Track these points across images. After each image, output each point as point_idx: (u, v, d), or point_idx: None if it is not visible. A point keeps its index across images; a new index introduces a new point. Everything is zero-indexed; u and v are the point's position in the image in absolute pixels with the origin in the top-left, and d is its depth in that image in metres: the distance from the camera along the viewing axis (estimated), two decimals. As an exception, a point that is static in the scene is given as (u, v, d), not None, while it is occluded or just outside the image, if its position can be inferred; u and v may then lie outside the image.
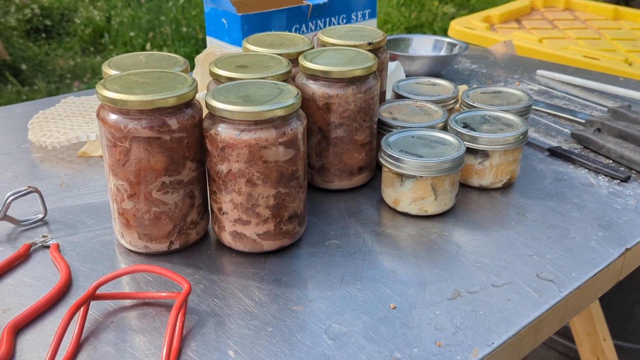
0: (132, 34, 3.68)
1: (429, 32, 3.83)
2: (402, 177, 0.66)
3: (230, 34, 0.90)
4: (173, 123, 0.56)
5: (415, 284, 0.56)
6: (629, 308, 1.28)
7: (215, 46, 0.86)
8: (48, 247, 0.61)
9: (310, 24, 0.95)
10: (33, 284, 0.56)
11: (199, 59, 0.81)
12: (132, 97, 0.54)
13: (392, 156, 0.66)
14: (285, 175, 0.58)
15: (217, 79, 0.65)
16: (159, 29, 3.74)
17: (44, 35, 3.74)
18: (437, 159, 0.65)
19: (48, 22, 3.84)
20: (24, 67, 3.28)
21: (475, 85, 0.95)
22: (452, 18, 3.94)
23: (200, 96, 0.74)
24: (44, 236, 0.63)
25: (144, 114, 0.55)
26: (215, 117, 0.56)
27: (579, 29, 1.69)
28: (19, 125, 0.91)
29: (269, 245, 0.60)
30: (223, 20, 0.90)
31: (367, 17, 1.03)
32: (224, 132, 0.56)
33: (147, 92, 0.55)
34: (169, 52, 3.45)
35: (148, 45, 3.57)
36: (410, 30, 3.83)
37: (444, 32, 3.69)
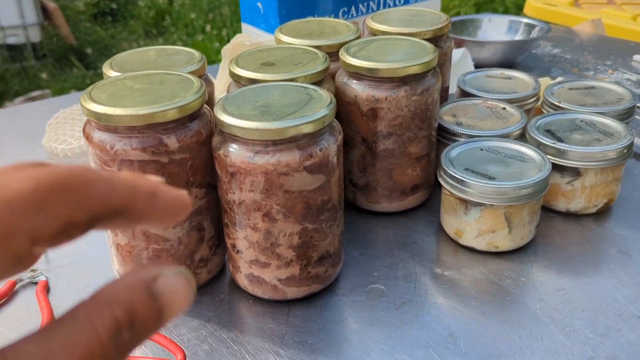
0: (192, 15, 3.63)
1: (500, 7, 3.56)
2: (466, 203, 0.52)
3: (266, 20, 0.77)
4: (172, 142, 0.44)
5: (481, 357, 0.43)
6: None
7: (246, 35, 0.74)
8: (36, 283, 0.52)
9: (360, 6, 0.81)
10: (9, 334, 0.47)
11: (226, 50, 0.69)
12: (118, 111, 0.42)
13: (454, 177, 0.52)
14: (313, 207, 0.45)
15: (237, 80, 0.53)
16: (218, 10, 3.67)
17: (109, 18, 3.75)
18: (513, 183, 0.50)
19: (114, 6, 3.85)
20: (89, 51, 3.29)
21: (560, 78, 0.78)
22: (528, -9, 3.64)
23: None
24: (32, 270, 0.53)
25: (134, 132, 0.43)
26: (225, 134, 0.44)
27: (682, 3, 1.46)
28: (38, 126, 0.82)
29: (293, 292, 0.48)
30: (259, 4, 0.78)
31: (429, -4, 0.88)
32: (234, 153, 0.44)
33: (139, 104, 0.43)
34: (228, 33, 3.39)
35: (208, 27, 3.51)
36: (480, 6, 3.57)
37: (518, 7, 3.41)
